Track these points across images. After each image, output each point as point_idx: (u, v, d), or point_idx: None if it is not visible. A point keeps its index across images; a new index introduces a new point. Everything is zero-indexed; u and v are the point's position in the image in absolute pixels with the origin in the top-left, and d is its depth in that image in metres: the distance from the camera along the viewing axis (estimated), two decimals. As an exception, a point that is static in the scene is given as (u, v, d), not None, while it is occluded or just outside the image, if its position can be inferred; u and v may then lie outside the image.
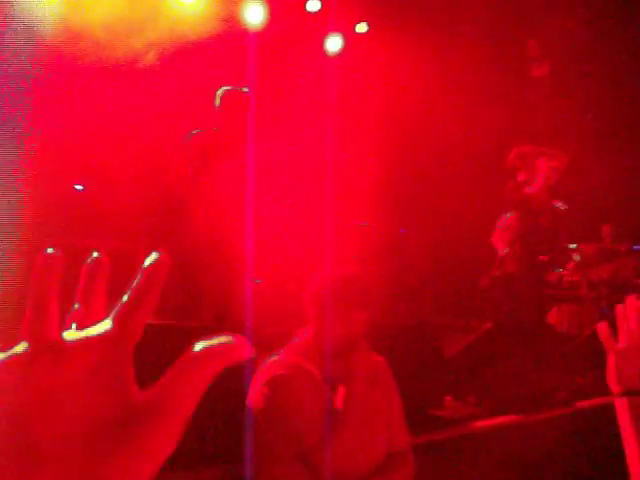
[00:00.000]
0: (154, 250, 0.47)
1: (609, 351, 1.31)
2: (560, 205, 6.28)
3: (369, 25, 7.00)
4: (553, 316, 6.21)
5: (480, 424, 3.77)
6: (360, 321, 2.20)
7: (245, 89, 4.31)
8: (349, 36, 6.99)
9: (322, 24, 6.79)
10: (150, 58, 5.45)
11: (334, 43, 6.87)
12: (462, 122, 6.89)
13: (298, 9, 6.72)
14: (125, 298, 0.46)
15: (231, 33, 5.93)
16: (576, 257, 6.16)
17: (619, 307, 1.30)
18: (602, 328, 1.31)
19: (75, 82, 4.49)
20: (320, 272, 2.29)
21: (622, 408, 1.28)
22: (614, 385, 1.30)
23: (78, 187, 5.94)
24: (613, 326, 1.39)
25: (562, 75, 7.34)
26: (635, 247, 7.93)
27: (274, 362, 2.18)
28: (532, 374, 4.38)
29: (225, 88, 4.34)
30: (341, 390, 2.15)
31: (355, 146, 6.59)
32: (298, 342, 2.26)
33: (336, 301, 2.18)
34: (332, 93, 5.99)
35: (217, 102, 4.32)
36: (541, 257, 5.84)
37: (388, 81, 6.78)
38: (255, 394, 2.16)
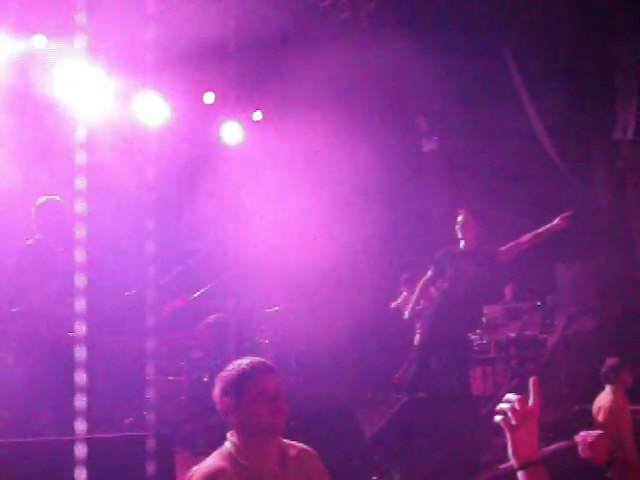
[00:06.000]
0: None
1: (505, 429, 1.41)
2: None
3: (263, 113, 7.23)
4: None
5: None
6: (283, 408, 2.19)
7: (56, 197, 4.22)
8: (247, 124, 7.19)
9: (219, 115, 6.95)
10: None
11: (232, 132, 7.03)
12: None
13: (196, 103, 6.87)
14: None
15: (132, 132, 5.96)
16: (482, 319, 6.38)
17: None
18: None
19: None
20: (232, 365, 2.26)
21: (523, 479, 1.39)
22: (513, 459, 1.41)
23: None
24: (524, 384, 1.48)
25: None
26: (538, 304, 8.28)
27: (200, 472, 2.13)
28: (455, 441, 4.43)
29: (40, 199, 4.23)
30: None
31: (257, 233, 6.68)
32: (226, 448, 2.21)
33: (252, 390, 2.16)
34: (232, 181, 6.13)
35: (33, 213, 4.21)
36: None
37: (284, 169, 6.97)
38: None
